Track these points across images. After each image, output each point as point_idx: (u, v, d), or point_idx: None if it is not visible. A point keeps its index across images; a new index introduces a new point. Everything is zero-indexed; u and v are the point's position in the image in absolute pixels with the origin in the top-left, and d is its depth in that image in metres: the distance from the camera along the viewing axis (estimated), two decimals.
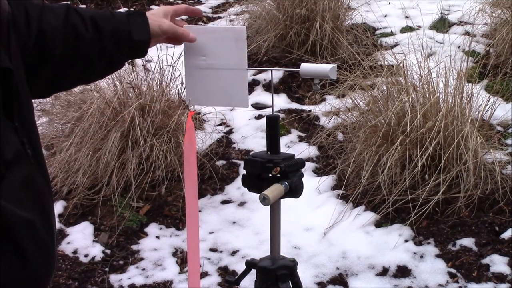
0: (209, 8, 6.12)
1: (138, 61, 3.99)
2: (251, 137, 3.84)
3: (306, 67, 1.51)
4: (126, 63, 1.47)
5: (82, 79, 1.41)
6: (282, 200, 1.55)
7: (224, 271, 2.94)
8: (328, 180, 3.41)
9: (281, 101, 4.20)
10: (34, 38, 1.20)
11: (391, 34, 4.89)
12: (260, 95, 4.33)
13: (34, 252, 0.97)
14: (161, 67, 3.63)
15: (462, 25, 4.82)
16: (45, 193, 1.05)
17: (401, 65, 3.40)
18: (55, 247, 1.07)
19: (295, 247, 3.02)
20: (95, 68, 1.34)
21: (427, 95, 3.23)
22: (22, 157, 0.99)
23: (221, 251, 3.06)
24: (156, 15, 1.39)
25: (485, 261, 2.81)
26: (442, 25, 4.92)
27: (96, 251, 3.09)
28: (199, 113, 3.96)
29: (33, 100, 1.15)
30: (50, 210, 1.06)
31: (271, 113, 1.57)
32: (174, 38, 1.44)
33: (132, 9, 1.36)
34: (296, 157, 1.57)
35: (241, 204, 3.36)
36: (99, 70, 1.37)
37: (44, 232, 1.01)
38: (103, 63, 1.34)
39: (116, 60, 1.37)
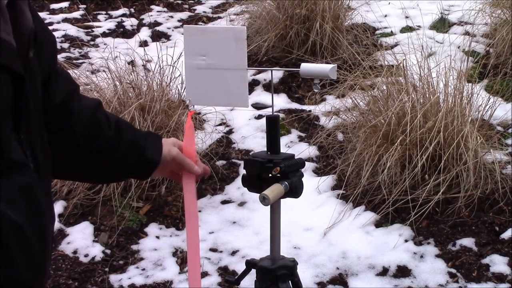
0: (209, 8, 6.13)
1: (138, 61, 3.99)
2: (251, 137, 3.85)
3: (306, 67, 1.51)
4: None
5: (85, 174, 1.40)
6: (282, 200, 1.55)
7: (224, 271, 2.94)
8: (328, 180, 3.41)
9: (281, 101, 4.20)
10: (59, 101, 1.22)
11: (391, 34, 4.89)
12: (260, 95, 4.33)
13: (19, 255, 0.98)
14: (161, 67, 3.63)
15: (462, 25, 4.82)
16: (43, 207, 1.05)
17: (401, 65, 3.40)
18: (48, 260, 1.07)
19: (295, 247, 3.02)
20: (101, 167, 1.34)
21: (427, 95, 3.23)
22: (25, 167, 1.00)
23: (221, 251, 3.06)
24: (166, 143, 1.40)
25: (485, 261, 2.81)
26: (442, 25, 4.92)
27: (96, 251, 3.09)
28: (199, 113, 3.96)
29: None
30: (46, 222, 1.06)
31: (271, 113, 1.57)
32: (177, 171, 1.43)
33: (150, 131, 1.40)
34: (296, 157, 1.57)
35: (241, 204, 3.36)
36: (102, 172, 1.37)
37: (36, 241, 1.01)
38: (109, 166, 1.34)
39: (122, 168, 1.36)
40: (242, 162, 3.62)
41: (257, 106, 4.20)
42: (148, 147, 1.36)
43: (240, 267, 2.90)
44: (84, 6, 6.17)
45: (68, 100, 1.24)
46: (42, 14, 5.98)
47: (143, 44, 4.99)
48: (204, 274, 2.92)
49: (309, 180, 3.39)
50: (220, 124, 4.00)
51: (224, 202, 3.39)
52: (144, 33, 5.49)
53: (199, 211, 3.33)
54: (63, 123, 1.24)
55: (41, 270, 1.05)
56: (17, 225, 0.98)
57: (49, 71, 1.18)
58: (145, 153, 1.35)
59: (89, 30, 5.62)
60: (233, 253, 3.04)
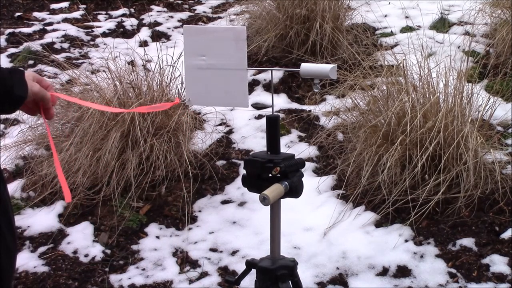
0: (209, 8, 6.13)
1: (138, 61, 3.99)
2: (251, 137, 3.85)
3: (306, 67, 1.51)
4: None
5: None
6: (282, 200, 1.55)
7: (224, 271, 2.94)
8: (328, 180, 3.41)
9: (281, 101, 4.20)
10: None
11: (391, 34, 4.89)
12: (260, 95, 4.34)
13: (2, 253, 1.02)
14: (161, 67, 3.63)
15: (462, 25, 4.82)
16: (8, 206, 1.10)
17: (401, 65, 3.40)
18: (16, 246, 1.15)
19: (295, 247, 3.02)
20: None
21: (427, 95, 3.23)
22: None
23: (221, 251, 3.06)
24: (28, 78, 1.42)
25: (485, 261, 2.81)
26: (442, 25, 4.92)
27: (96, 251, 3.09)
28: (199, 113, 3.96)
29: None
30: (13, 222, 1.13)
31: (271, 113, 1.57)
32: (35, 105, 1.46)
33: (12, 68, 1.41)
34: (296, 157, 1.58)
35: (241, 204, 3.36)
36: None
37: (6, 231, 1.07)
38: None
39: None
40: (242, 162, 3.62)
41: (257, 106, 4.20)
42: (15, 84, 1.37)
43: (240, 267, 2.90)
44: (84, 6, 6.18)
45: None
46: (42, 14, 5.98)
47: (143, 44, 4.99)
48: (204, 274, 2.92)
49: (309, 180, 3.39)
50: (220, 124, 4.00)
51: (224, 202, 3.39)
52: (144, 33, 5.49)
53: (199, 211, 3.34)
54: None
55: (14, 256, 1.12)
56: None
57: None
58: (13, 90, 1.36)
59: (89, 30, 5.62)
60: (233, 253, 3.04)
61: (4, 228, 1.10)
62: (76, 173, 3.36)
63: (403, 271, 2.82)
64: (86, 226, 3.25)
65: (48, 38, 5.42)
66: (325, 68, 1.49)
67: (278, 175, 1.52)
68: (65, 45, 5.31)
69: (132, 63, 3.89)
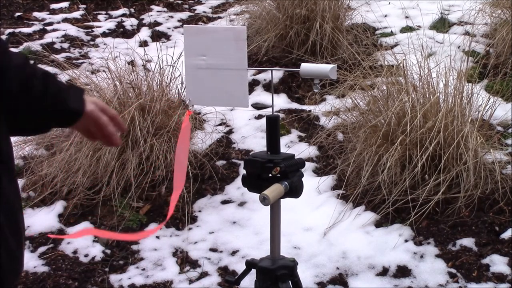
0: (209, 8, 6.13)
1: (138, 61, 3.99)
2: (251, 137, 3.85)
3: (306, 67, 1.51)
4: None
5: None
6: (282, 200, 1.55)
7: (224, 271, 2.94)
8: (328, 180, 3.41)
9: (281, 101, 4.20)
10: None
11: (391, 34, 4.89)
12: (260, 95, 4.34)
13: (5, 255, 0.99)
14: (161, 67, 3.63)
15: (462, 25, 4.82)
16: (13, 198, 1.06)
17: (401, 65, 3.40)
18: (22, 249, 1.09)
19: (295, 247, 3.02)
20: (25, 123, 1.33)
21: (427, 95, 3.23)
22: None
23: (221, 251, 3.06)
24: (87, 99, 1.41)
25: (485, 261, 2.81)
26: (442, 25, 4.92)
27: (96, 251, 3.09)
28: (199, 113, 3.96)
29: None
30: (17, 214, 1.07)
31: (271, 113, 1.57)
32: (90, 127, 1.43)
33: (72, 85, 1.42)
34: (296, 157, 1.58)
35: (241, 204, 3.36)
36: (24, 126, 1.35)
37: (9, 233, 1.03)
38: (34, 118, 1.33)
39: (44, 121, 1.35)
40: (242, 162, 3.62)
41: (257, 106, 4.20)
42: (72, 98, 1.36)
43: (240, 267, 2.90)
44: (84, 6, 6.17)
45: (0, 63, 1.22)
46: (42, 14, 5.98)
47: (143, 44, 4.99)
48: (204, 274, 2.92)
49: (309, 180, 3.39)
50: (220, 124, 4.00)
51: (224, 202, 3.39)
52: (144, 33, 5.49)
53: (199, 211, 3.34)
54: None
55: (17, 261, 1.06)
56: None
57: None
58: (68, 104, 1.34)
59: (89, 30, 5.62)
60: (233, 253, 3.04)
61: (7, 231, 1.06)
62: (76, 173, 3.36)
63: (403, 271, 2.82)
64: (86, 226, 3.25)
65: (48, 38, 5.42)
66: (325, 68, 1.49)
67: (278, 175, 1.52)
68: (65, 45, 5.31)
69: (132, 63, 3.89)
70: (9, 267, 1.05)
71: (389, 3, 5.47)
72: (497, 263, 2.79)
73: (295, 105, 4.17)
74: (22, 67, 1.28)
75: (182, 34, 1.60)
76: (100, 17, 5.99)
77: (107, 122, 1.41)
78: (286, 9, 4.47)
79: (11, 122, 1.32)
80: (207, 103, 1.63)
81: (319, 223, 3.13)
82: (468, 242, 2.92)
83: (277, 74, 4.44)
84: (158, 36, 5.41)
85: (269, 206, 1.53)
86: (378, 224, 3.10)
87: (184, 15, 5.94)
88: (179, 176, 1.37)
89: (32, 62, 1.33)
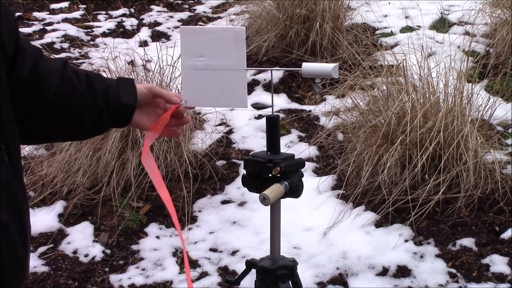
0: (209, 8, 6.13)
1: (138, 61, 3.99)
2: (251, 137, 3.85)
3: (308, 66, 1.50)
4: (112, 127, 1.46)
5: (69, 134, 1.40)
6: (282, 200, 1.55)
7: (224, 271, 2.94)
8: (328, 180, 3.41)
9: (281, 101, 4.20)
10: (28, 73, 1.19)
11: (391, 34, 4.89)
12: (260, 95, 4.33)
13: (7, 255, 0.98)
14: (161, 67, 3.63)
15: (462, 25, 4.82)
16: (21, 201, 1.05)
17: (401, 65, 3.40)
18: (28, 253, 1.08)
19: (295, 247, 3.02)
20: (83, 124, 1.34)
21: (427, 95, 3.23)
22: (1, 162, 0.99)
23: (221, 251, 3.06)
24: (138, 85, 1.42)
25: (485, 261, 2.81)
26: (442, 25, 4.92)
27: (96, 251, 3.09)
28: (199, 113, 3.96)
29: None
30: (25, 217, 1.06)
31: (271, 113, 1.57)
32: (157, 106, 1.47)
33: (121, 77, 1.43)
34: (296, 157, 1.57)
35: (241, 204, 3.36)
36: (86, 128, 1.36)
37: (17, 237, 1.02)
38: (91, 120, 1.34)
39: (103, 120, 1.36)
40: (242, 162, 3.62)
41: (257, 106, 4.20)
42: (122, 93, 1.36)
43: (240, 267, 2.90)
44: (84, 6, 6.17)
45: (36, 69, 1.22)
46: (42, 14, 5.98)
47: (143, 44, 4.99)
48: (204, 274, 2.92)
49: (309, 180, 3.39)
50: (220, 124, 4.00)
51: (224, 202, 3.39)
52: (144, 33, 5.49)
53: (199, 211, 3.34)
54: (35, 93, 1.23)
55: (24, 266, 1.06)
56: (3, 224, 0.98)
57: (15, 48, 1.16)
58: (120, 100, 1.35)
59: (89, 30, 5.63)
60: (233, 253, 3.04)
61: (16, 236, 1.02)
62: (76, 173, 3.36)
63: (403, 271, 2.82)
64: (86, 226, 3.25)
65: (48, 38, 5.42)
66: (327, 67, 1.48)
67: (278, 175, 1.51)
68: (65, 45, 5.32)
69: (132, 63, 3.89)
70: (17, 274, 1.04)
71: (389, 3, 5.47)
72: (497, 263, 2.79)
73: (295, 105, 4.17)
74: (61, 70, 1.29)
75: None
76: (100, 17, 5.99)
77: (170, 94, 1.45)
78: (286, 9, 4.47)
79: (61, 129, 1.33)
80: (204, 104, 1.62)
81: (319, 223, 3.13)
82: (468, 242, 2.92)
83: (277, 74, 4.44)
84: (158, 36, 5.41)
85: (269, 206, 1.53)
86: (378, 224, 3.10)
87: (184, 15, 5.94)
88: (157, 183, 1.37)
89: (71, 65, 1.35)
